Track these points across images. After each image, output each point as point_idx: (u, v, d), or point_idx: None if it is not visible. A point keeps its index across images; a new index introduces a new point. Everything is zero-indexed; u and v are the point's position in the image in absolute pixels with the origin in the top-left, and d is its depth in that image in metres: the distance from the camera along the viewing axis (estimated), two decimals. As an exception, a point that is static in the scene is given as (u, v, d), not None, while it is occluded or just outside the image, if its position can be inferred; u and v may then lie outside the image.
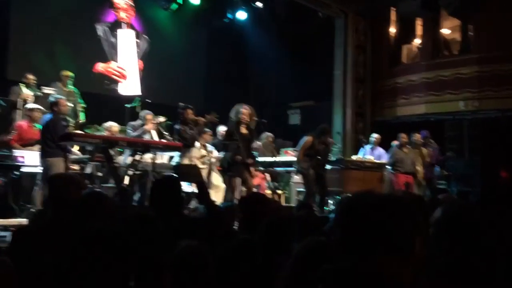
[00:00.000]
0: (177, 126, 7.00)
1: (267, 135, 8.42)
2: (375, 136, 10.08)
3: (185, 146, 6.72)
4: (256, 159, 7.70)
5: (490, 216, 2.09)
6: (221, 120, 8.64)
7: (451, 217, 2.00)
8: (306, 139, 7.47)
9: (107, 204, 2.62)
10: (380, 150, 9.88)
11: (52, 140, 6.03)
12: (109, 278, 1.52)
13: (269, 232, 2.42)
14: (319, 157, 7.43)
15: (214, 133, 8.73)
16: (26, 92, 8.16)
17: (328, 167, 7.78)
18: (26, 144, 7.09)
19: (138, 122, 7.81)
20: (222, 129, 8.66)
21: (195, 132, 6.89)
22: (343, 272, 1.19)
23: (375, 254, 1.20)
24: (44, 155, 6.21)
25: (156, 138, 7.44)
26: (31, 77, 8.32)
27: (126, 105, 8.88)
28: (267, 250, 2.39)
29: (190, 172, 6.76)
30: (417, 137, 9.26)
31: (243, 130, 6.88)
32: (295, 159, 7.97)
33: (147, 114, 7.68)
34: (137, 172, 6.46)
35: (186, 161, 6.87)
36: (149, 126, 7.57)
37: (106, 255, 1.53)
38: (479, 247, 1.90)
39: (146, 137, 7.27)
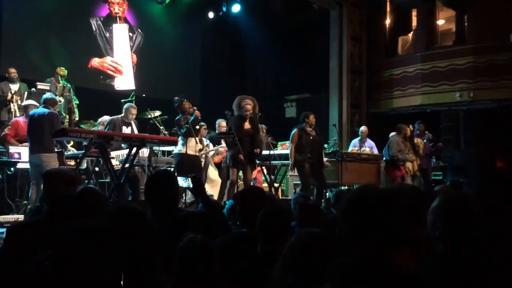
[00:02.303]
0: (178, 118, 7.06)
1: (261, 127, 8.38)
2: (362, 129, 10.03)
3: (186, 136, 6.79)
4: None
5: (483, 206, 2.10)
6: (218, 114, 8.61)
7: (444, 206, 2.02)
8: (293, 133, 7.44)
9: (102, 201, 2.59)
10: (370, 142, 9.86)
11: (50, 135, 5.99)
12: (98, 274, 1.50)
13: (266, 222, 2.42)
14: (311, 149, 7.37)
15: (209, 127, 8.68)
16: (11, 86, 8.12)
17: (324, 159, 7.74)
18: (22, 140, 7.04)
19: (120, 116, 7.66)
20: (221, 122, 8.61)
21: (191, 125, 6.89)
22: (351, 268, 1.19)
23: (385, 247, 1.21)
24: (39, 150, 6.18)
25: (136, 131, 7.33)
26: (12, 70, 8.27)
27: (122, 100, 8.84)
28: (266, 241, 2.39)
29: (192, 164, 6.80)
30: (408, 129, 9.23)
31: (247, 125, 6.83)
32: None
33: (131, 107, 7.46)
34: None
35: (189, 151, 6.90)
36: (119, 120, 7.40)
37: (91, 251, 1.52)
38: (469, 234, 1.91)
39: (127, 131, 7.16)
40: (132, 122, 7.40)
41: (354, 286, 1.17)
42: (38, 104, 7.36)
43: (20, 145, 6.93)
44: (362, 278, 1.17)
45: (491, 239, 2.00)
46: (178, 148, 7.15)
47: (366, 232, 1.24)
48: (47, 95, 6.75)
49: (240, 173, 7.02)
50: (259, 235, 2.43)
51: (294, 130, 7.47)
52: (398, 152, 8.67)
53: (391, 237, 1.22)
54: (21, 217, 5.86)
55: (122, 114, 7.37)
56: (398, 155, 8.66)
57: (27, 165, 6.57)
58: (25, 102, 7.51)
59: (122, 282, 1.73)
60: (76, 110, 8.72)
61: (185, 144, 6.90)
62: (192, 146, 6.97)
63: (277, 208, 2.57)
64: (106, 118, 7.89)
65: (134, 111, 7.37)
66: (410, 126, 9.25)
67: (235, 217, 3.52)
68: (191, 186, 3.82)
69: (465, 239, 1.90)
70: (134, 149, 5.83)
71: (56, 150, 6.52)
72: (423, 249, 1.30)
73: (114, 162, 6.58)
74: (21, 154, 6.73)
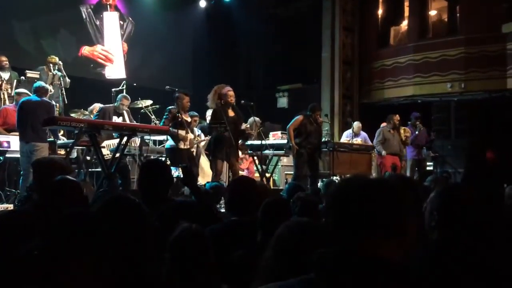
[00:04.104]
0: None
1: (255, 120, 8.34)
2: (355, 125, 9.88)
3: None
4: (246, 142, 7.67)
5: (476, 196, 2.11)
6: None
7: (440, 196, 2.02)
8: (296, 117, 7.45)
9: (76, 190, 2.55)
10: (363, 134, 9.85)
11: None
12: (89, 264, 1.48)
13: (269, 212, 2.43)
14: (312, 139, 7.39)
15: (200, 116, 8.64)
16: (1, 74, 8.01)
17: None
18: (10, 129, 6.92)
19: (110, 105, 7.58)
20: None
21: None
22: (336, 257, 1.18)
23: (370, 237, 1.20)
24: (33, 138, 6.08)
25: (127, 121, 7.28)
26: (3, 59, 8.14)
27: (113, 89, 8.76)
28: (267, 231, 2.39)
29: (186, 155, 6.79)
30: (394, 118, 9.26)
31: (231, 112, 6.81)
32: (284, 141, 7.95)
33: (124, 97, 7.40)
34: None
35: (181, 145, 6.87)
36: (110, 109, 7.32)
37: (83, 240, 1.50)
38: (465, 224, 1.92)
39: (119, 120, 7.11)
40: (124, 112, 7.35)
41: (338, 277, 1.16)
42: (30, 93, 7.27)
43: (7, 134, 6.82)
44: (347, 270, 1.16)
45: (484, 228, 2.01)
46: (168, 143, 7.10)
47: (351, 223, 1.23)
48: (38, 83, 6.64)
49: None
50: (260, 225, 2.44)
51: (299, 116, 7.45)
52: (378, 141, 8.89)
53: (376, 228, 1.21)
54: (10, 206, 5.82)
55: (115, 104, 7.32)
56: (376, 145, 8.94)
57: (16, 154, 6.49)
58: (18, 90, 7.38)
59: (114, 273, 1.71)
60: (65, 98, 8.60)
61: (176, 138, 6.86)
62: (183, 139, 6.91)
63: (280, 198, 2.58)
64: (96, 105, 7.82)
65: (127, 102, 7.36)
66: (397, 116, 9.28)
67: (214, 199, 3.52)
68: (181, 176, 3.81)
69: (460, 228, 1.91)
70: (125, 139, 5.79)
71: (48, 139, 6.44)
72: (410, 241, 1.29)
73: (105, 151, 6.54)
74: (10, 143, 6.63)
